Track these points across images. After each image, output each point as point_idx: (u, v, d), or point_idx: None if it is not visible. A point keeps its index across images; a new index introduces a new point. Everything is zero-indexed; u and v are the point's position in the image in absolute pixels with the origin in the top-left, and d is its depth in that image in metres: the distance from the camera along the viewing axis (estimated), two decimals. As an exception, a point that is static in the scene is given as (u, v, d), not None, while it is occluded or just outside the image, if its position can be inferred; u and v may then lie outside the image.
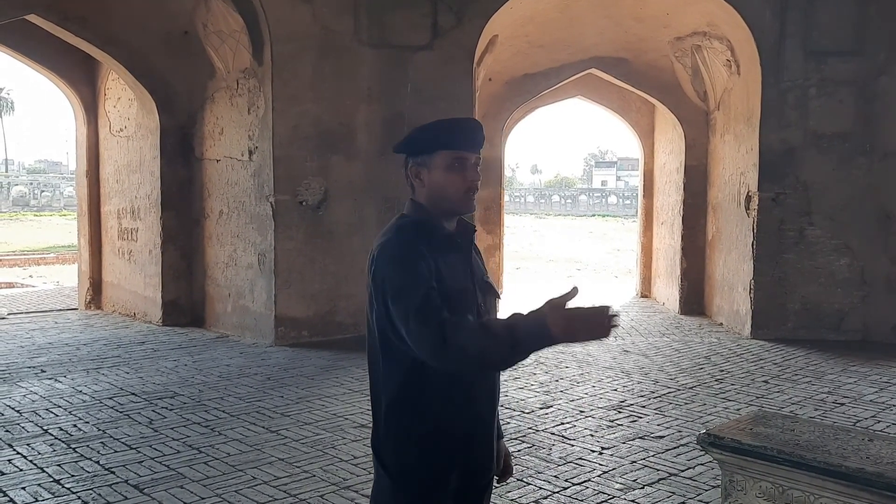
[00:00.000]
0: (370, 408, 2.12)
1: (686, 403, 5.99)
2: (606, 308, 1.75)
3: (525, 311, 1.79)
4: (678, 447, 4.94)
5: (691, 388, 6.47)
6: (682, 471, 4.53)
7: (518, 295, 12.13)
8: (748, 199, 8.61)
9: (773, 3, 8.33)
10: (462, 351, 1.81)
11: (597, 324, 1.73)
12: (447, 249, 2.03)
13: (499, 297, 2.21)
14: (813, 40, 8.34)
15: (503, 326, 1.80)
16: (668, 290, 10.91)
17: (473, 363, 1.87)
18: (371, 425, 2.11)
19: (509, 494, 4.14)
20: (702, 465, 4.57)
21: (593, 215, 54.31)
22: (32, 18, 8.47)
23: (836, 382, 6.65)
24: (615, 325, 1.74)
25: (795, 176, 8.40)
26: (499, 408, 2.27)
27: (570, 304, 1.74)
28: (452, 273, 2.01)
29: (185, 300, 9.23)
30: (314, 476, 4.37)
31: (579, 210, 59.04)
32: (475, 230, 2.18)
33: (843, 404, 5.98)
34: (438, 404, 1.99)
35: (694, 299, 10.19)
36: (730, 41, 8.92)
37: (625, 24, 9.74)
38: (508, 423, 5.40)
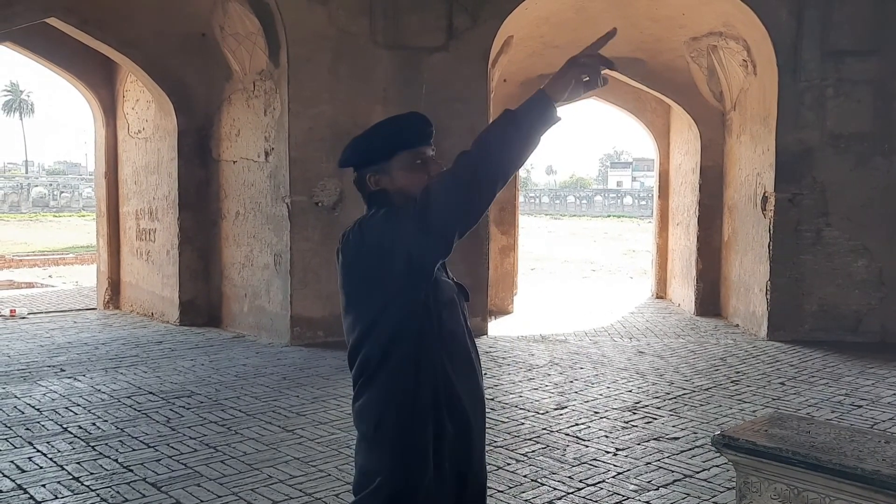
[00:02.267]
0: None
1: (701, 405, 5.97)
2: (598, 50, 1.77)
3: None
4: (693, 449, 4.93)
5: (707, 389, 6.45)
6: (697, 472, 4.52)
7: (533, 295, 12.12)
8: (764, 199, 8.57)
9: (789, 2, 8.28)
10: (489, 170, 1.78)
11: (590, 66, 1.74)
12: None
13: (467, 300, 2.18)
14: (830, 40, 8.28)
15: (498, 119, 1.81)
16: (683, 292, 10.86)
17: (502, 168, 1.80)
18: None
19: (523, 495, 4.15)
20: (717, 466, 4.56)
21: (608, 216, 54.14)
22: (52, 21, 8.58)
23: (853, 385, 6.60)
24: (608, 67, 1.75)
25: (812, 176, 8.35)
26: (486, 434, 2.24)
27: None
28: (442, 284, 1.99)
29: (201, 300, 9.31)
30: (329, 475, 4.40)
31: (594, 211, 58.88)
32: None
33: (860, 406, 5.94)
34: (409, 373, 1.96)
35: (710, 300, 10.14)
36: (746, 41, 8.88)
37: (640, 24, 9.71)
38: (522, 423, 5.41)
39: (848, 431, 2.76)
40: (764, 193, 8.59)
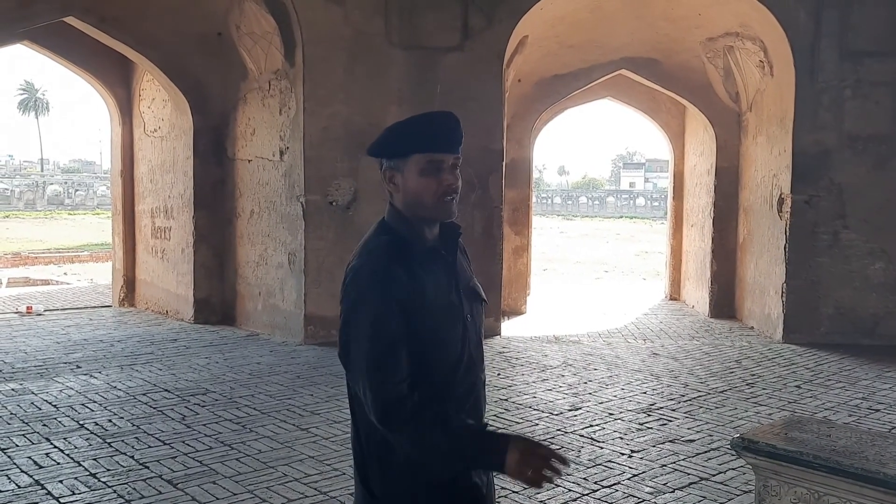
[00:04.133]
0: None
1: (717, 407, 5.93)
2: (558, 454, 1.82)
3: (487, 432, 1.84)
4: (709, 451, 4.90)
5: (722, 391, 6.41)
6: (713, 475, 4.49)
7: (546, 296, 12.09)
8: (781, 201, 8.51)
9: (807, 3, 8.22)
10: (412, 440, 1.79)
11: (543, 464, 1.79)
12: (430, 262, 1.91)
13: (485, 302, 2.10)
14: (848, 41, 8.21)
15: (456, 437, 1.79)
16: (697, 293, 10.81)
17: (413, 451, 1.83)
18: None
19: (538, 496, 4.14)
20: (733, 469, 4.53)
21: (621, 217, 53.97)
22: (70, 20, 8.64)
23: (870, 388, 6.54)
24: (555, 474, 1.82)
25: (830, 178, 8.28)
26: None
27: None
28: (437, 289, 1.88)
29: (216, 298, 9.35)
30: (344, 474, 4.41)
31: (607, 212, 58.72)
32: (461, 232, 2.02)
33: (877, 410, 5.89)
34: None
35: (724, 302, 10.09)
36: (763, 42, 8.82)
37: (656, 24, 9.67)
38: (537, 424, 5.40)
39: (869, 435, 2.74)
40: (780, 195, 8.53)
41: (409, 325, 1.81)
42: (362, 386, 1.81)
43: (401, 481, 1.88)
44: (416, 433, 1.78)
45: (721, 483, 4.37)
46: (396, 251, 1.86)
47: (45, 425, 5.26)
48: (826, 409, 5.91)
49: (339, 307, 1.90)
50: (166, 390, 6.22)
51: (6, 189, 52.42)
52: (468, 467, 1.84)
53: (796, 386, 6.62)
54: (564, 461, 1.83)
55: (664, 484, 4.35)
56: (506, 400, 6.01)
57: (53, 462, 4.57)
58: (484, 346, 2.10)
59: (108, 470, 4.45)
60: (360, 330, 1.81)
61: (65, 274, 18.40)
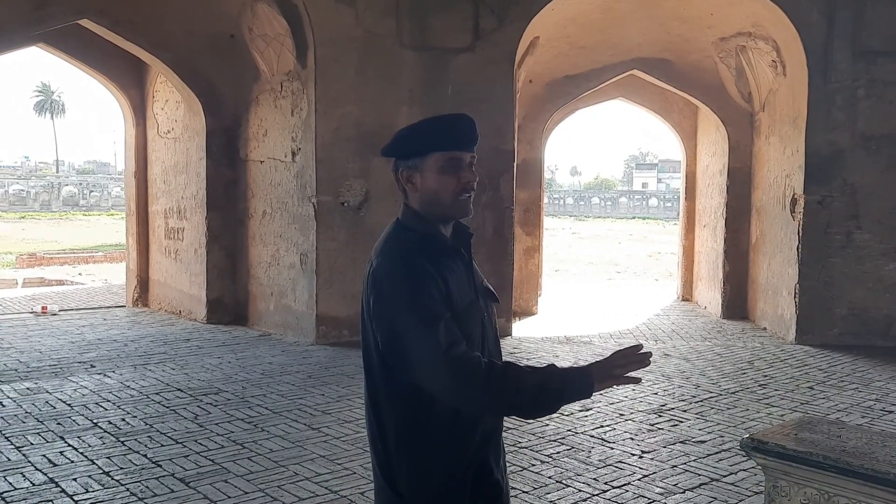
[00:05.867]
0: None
1: (728, 408, 5.91)
2: (639, 346, 1.91)
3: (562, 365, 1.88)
4: (720, 452, 4.89)
5: (734, 392, 6.39)
6: (724, 476, 4.48)
7: (557, 296, 12.08)
8: (793, 202, 8.47)
9: (820, 2, 8.18)
10: (496, 396, 1.80)
11: (632, 360, 1.86)
12: (451, 260, 1.94)
13: (497, 302, 2.14)
14: (862, 40, 8.16)
15: (540, 378, 1.83)
16: (710, 294, 10.77)
17: (502, 408, 1.88)
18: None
19: (549, 496, 4.15)
20: (744, 470, 4.52)
21: (633, 217, 53.80)
22: (85, 23, 8.72)
23: (883, 389, 6.50)
24: (646, 361, 1.89)
25: (843, 178, 8.23)
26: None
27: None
28: (459, 287, 1.91)
29: (228, 299, 9.40)
30: (355, 473, 4.43)
31: (619, 212, 58.56)
32: (472, 234, 2.06)
33: (891, 412, 5.85)
34: (445, 437, 1.90)
35: (737, 303, 10.04)
36: (775, 41, 8.78)
37: (668, 24, 9.65)
38: (547, 424, 5.40)
39: (880, 436, 2.72)
40: (793, 195, 8.48)
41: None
42: (427, 370, 1.81)
43: (430, 481, 1.90)
44: (502, 386, 1.80)
45: (732, 484, 4.36)
46: (426, 249, 1.90)
47: (59, 424, 5.32)
48: (839, 411, 5.87)
49: (366, 305, 1.92)
50: (179, 390, 6.26)
51: (22, 190, 52.94)
52: (560, 399, 1.85)
53: (809, 387, 6.58)
54: (643, 353, 1.92)
55: (675, 485, 4.34)
56: (516, 400, 6.01)
57: (68, 460, 4.61)
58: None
59: (122, 468, 4.49)
60: (410, 322, 1.82)
61: (79, 274, 18.55)
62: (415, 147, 1.93)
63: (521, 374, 1.82)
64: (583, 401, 5.98)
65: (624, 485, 4.33)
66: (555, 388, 1.83)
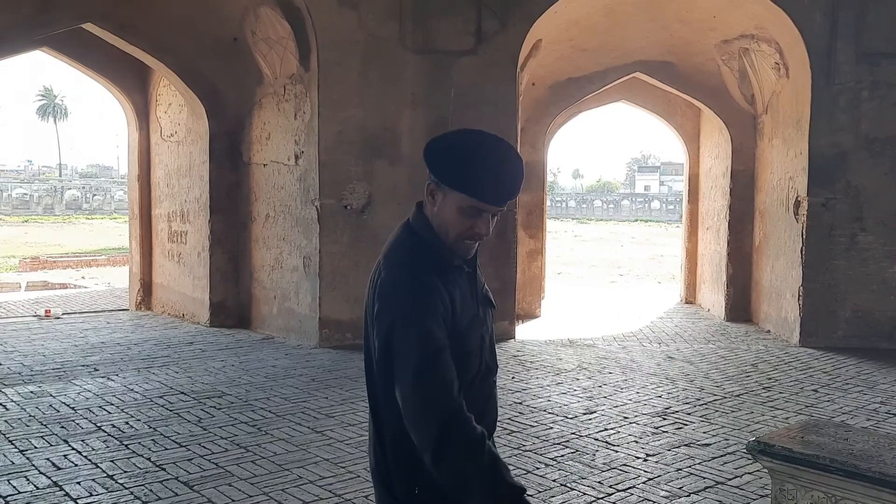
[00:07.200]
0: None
1: (733, 411, 5.90)
2: None
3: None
4: (725, 455, 4.87)
5: (738, 395, 6.37)
6: (729, 479, 4.47)
7: (560, 299, 12.06)
8: (797, 204, 8.45)
9: (823, 4, 8.17)
10: (450, 459, 1.76)
11: None
12: (456, 273, 1.93)
13: (494, 308, 2.12)
14: (865, 42, 8.15)
15: (490, 471, 1.79)
16: (713, 297, 10.75)
17: (444, 462, 1.79)
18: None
19: (553, 500, 4.14)
20: (749, 473, 4.50)
21: (636, 220, 53.77)
22: (88, 27, 8.74)
23: (888, 392, 6.48)
24: None
25: (846, 181, 8.22)
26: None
27: None
28: (463, 302, 1.90)
29: (231, 302, 9.40)
30: (359, 476, 4.42)
31: (622, 215, 58.52)
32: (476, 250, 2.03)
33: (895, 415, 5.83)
34: None
35: (740, 306, 10.03)
36: (778, 44, 8.77)
37: (670, 27, 9.65)
38: (551, 428, 5.39)
39: (887, 439, 2.71)
40: (796, 198, 8.47)
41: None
42: (413, 401, 1.78)
43: (428, 488, 1.90)
44: (467, 455, 1.75)
45: (737, 487, 4.34)
46: (431, 260, 1.88)
47: (63, 427, 5.32)
48: (844, 414, 5.85)
49: (370, 311, 1.90)
50: (182, 393, 6.26)
51: (25, 194, 53.03)
52: (482, 491, 1.81)
53: (813, 390, 6.57)
54: None
55: (679, 488, 4.33)
56: (520, 403, 6.01)
57: (71, 464, 4.61)
58: (497, 350, 2.13)
59: (126, 472, 4.49)
60: (410, 346, 1.78)
61: (83, 278, 18.56)
62: (450, 175, 1.87)
63: (481, 453, 1.78)
64: (586, 404, 6.00)
65: (629, 488, 4.31)
66: (488, 485, 1.80)
